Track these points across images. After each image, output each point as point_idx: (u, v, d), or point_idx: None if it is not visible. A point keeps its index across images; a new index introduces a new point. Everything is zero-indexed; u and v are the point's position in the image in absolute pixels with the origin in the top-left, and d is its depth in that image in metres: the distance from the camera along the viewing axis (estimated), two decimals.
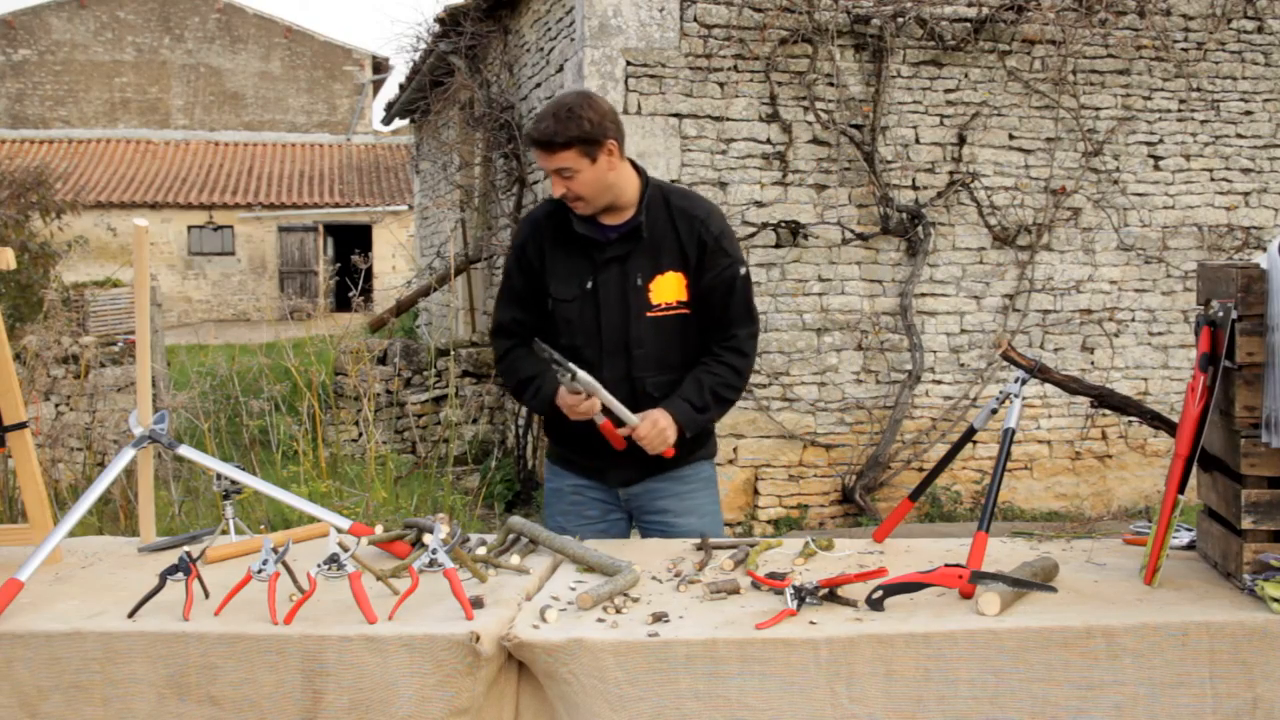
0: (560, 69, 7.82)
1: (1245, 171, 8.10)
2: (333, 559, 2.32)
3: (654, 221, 2.93)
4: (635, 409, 2.87)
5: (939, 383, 7.76)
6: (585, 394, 2.78)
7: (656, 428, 2.84)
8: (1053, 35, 7.68)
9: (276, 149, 27.32)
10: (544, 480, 3.22)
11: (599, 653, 2.08)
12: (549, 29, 8.17)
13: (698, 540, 2.75)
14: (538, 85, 8.55)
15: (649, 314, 2.91)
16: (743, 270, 2.98)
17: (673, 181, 7.20)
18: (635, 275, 2.91)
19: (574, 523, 3.04)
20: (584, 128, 2.78)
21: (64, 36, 27.91)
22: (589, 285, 2.93)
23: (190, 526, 5.46)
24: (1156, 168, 7.99)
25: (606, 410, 2.85)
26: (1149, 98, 7.94)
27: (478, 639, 2.07)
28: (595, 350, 2.94)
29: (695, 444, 3.03)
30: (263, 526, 5.07)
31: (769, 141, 7.42)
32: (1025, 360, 2.68)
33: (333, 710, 2.10)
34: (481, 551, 2.60)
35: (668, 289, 2.92)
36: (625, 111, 7.17)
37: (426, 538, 2.50)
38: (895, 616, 2.18)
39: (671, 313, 2.92)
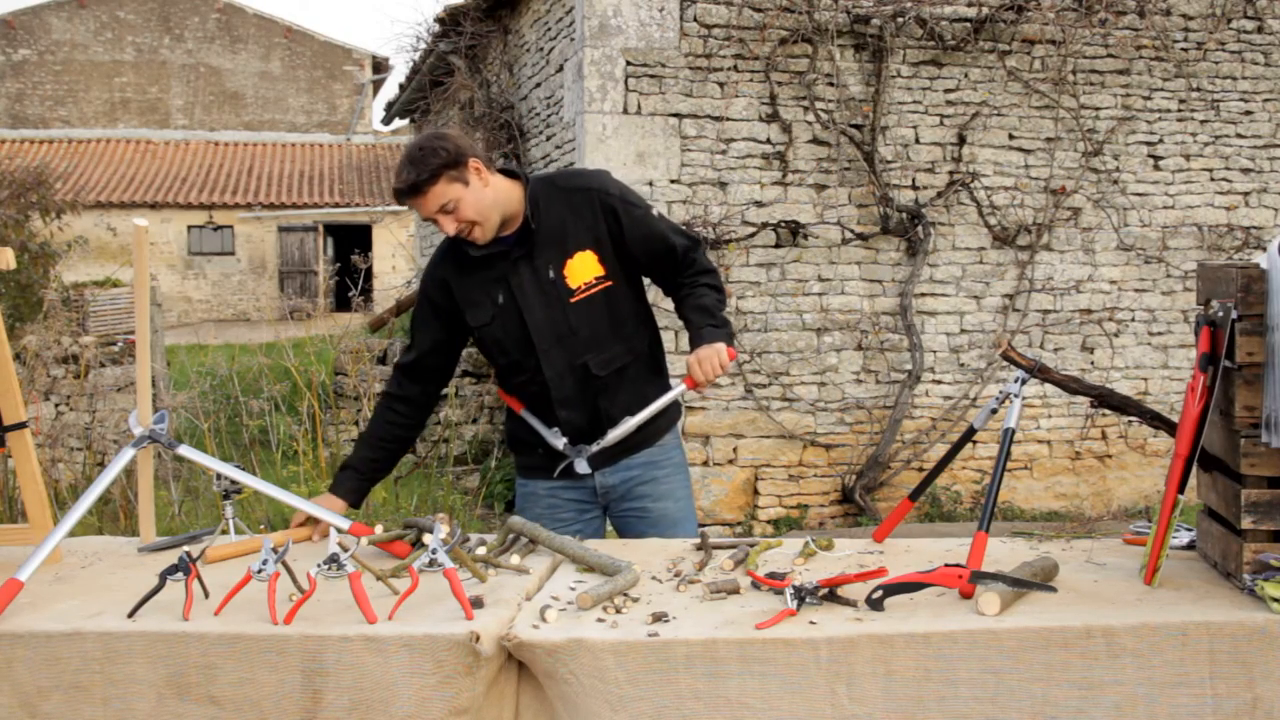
0: (560, 69, 7.82)
1: (1245, 171, 8.11)
2: (333, 559, 2.32)
3: (545, 212, 2.94)
4: (588, 392, 2.95)
5: (939, 383, 7.76)
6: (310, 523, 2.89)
7: (713, 363, 2.83)
8: (1053, 35, 7.68)
9: (276, 149, 27.32)
10: (516, 487, 3.24)
11: (599, 653, 2.08)
12: (549, 29, 8.17)
13: (697, 540, 2.75)
14: (538, 85, 8.55)
15: (573, 300, 2.94)
16: (654, 210, 3.05)
17: (672, 182, 7.21)
18: (545, 268, 2.93)
19: (548, 526, 3.02)
20: (441, 156, 2.79)
21: (64, 36, 27.92)
22: (500, 300, 2.95)
23: (190, 526, 5.46)
24: (1156, 168, 8.00)
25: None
26: (1149, 98, 7.94)
27: (478, 639, 2.07)
28: (531, 355, 2.96)
29: (659, 415, 3.05)
30: (263, 526, 5.07)
31: (769, 141, 7.42)
32: (1025, 360, 2.68)
33: (333, 710, 2.10)
34: (481, 551, 2.60)
35: (582, 270, 2.94)
36: (625, 111, 7.18)
37: (426, 538, 2.50)
38: (895, 616, 2.18)
39: (594, 290, 2.95)
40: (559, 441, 2.96)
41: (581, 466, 2.95)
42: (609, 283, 2.96)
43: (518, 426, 3.11)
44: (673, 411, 3.15)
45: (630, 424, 2.93)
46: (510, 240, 2.94)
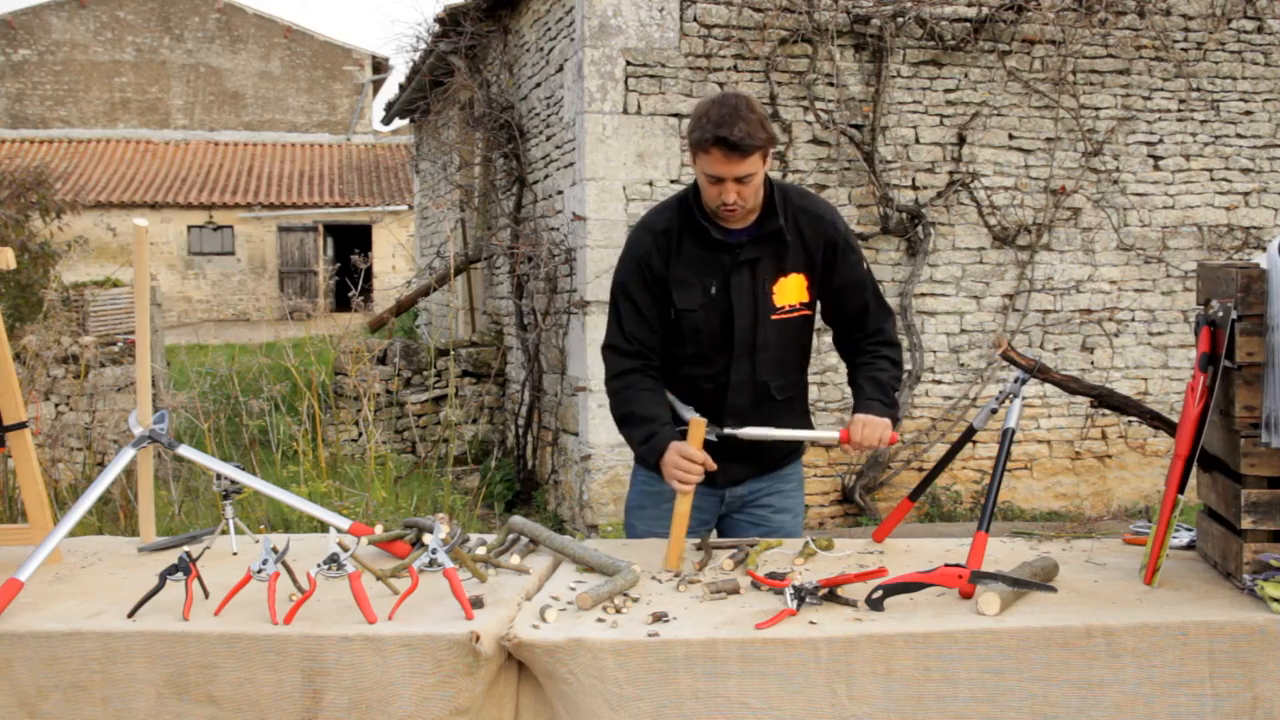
0: (560, 69, 7.82)
1: (1245, 171, 8.10)
2: (333, 559, 2.32)
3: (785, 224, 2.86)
4: (759, 412, 2.88)
5: (939, 383, 7.76)
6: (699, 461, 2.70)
7: (876, 432, 2.77)
8: (1053, 35, 7.68)
9: (276, 149, 27.31)
10: (635, 482, 3.11)
11: (599, 653, 2.08)
12: (549, 29, 8.17)
13: (697, 540, 2.75)
14: (538, 85, 8.55)
15: (774, 316, 2.87)
16: (865, 265, 2.96)
17: (671, 182, 7.21)
18: (762, 278, 2.86)
19: (665, 527, 2.92)
20: (766, 129, 2.69)
21: (64, 36, 27.91)
22: (713, 291, 2.85)
23: (190, 526, 5.46)
24: (1156, 168, 8.00)
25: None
26: (1149, 98, 7.94)
27: (478, 639, 2.07)
28: (725, 355, 2.88)
29: (800, 444, 3.08)
30: (263, 526, 5.07)
31: None
32: (1025, 360, 2.68)
33: (333, 710, 2.10)
34: (481, 551, 2.60)
35: (791, 291, 2.87)
36: (625, 111, 7.18)
37: (426, 538, 2.50)
38: (895, 616, 2.18)
39: (794, 315, 2.89)
40: (690, 414, 2.81)
41: (710, 435, 2.78)
42: (807, 312, 2.92)
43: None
44: (803, 445, 3.15)
45: (771, 434, 2.86)
46: (743, 235, 2.84)
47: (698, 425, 2.72)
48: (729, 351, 2.88)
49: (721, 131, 2.64)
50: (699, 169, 2.76)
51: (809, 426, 3.09)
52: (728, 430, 2.81)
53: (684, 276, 2.86)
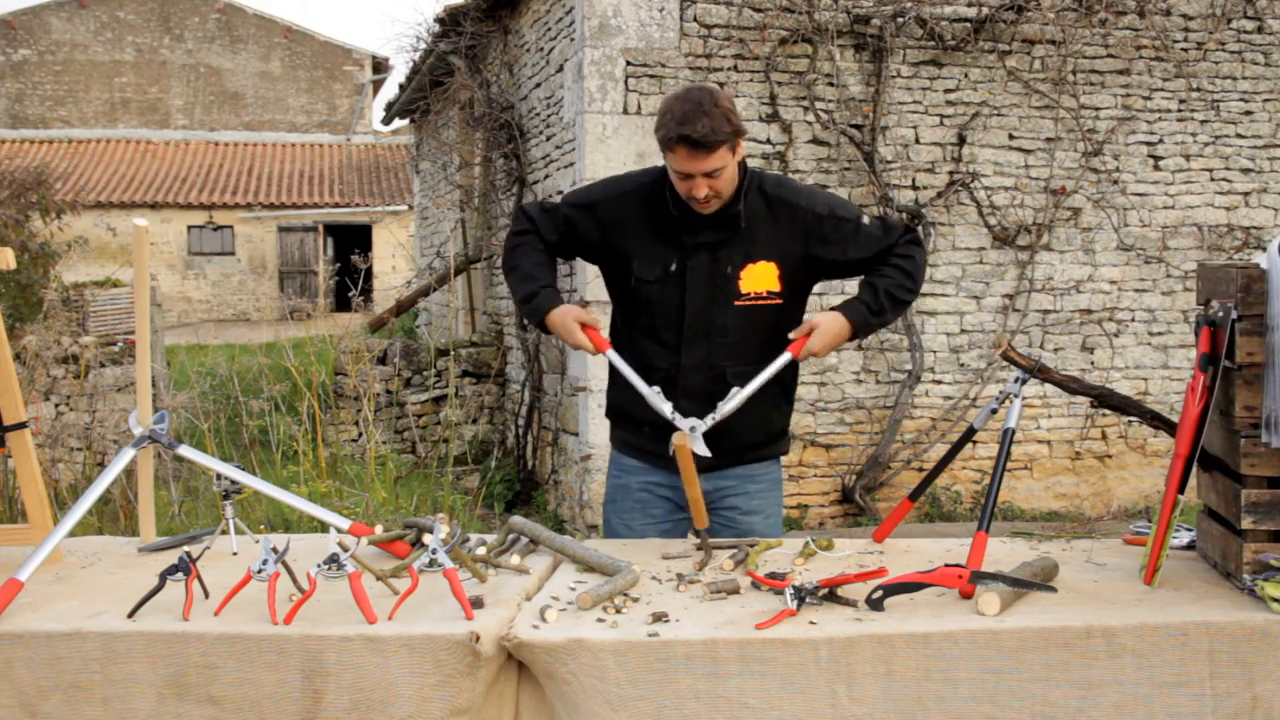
0: (560, 69, 7.82)
1: (1245, 171, 8.10)
2: (333, 559, 2.32)
3: (751, 211, 2.85)
4: (712, 397, 2.81)
5: (939, 383, 7.76)
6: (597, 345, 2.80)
7: (827, 334, 2.80)
8: (1053, 35, 7.68)
9: (276, 149, 27.31)
10: (608, 476, 3.14)
11: (599, 653, 2.08)
12: (549, 29, 8.17)
13: (697, 540, 2.75)
14: (538, 85, 8.55)
15: (736, 302, 2.85)
16: (866, 219, 2.96)
17: None
18: (725, 263, 2.85)
19: (638, 521, 2.96)
20: (734, 123, 2.70)
21: (64, 36, 27.91)
22: (673, 268, 2.85)
23: (190, 526, 5.46)
24: (1156, 168, 8.00)
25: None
26: (1149, 98, 7.94)
27: (478, 639, 2.07)
28: (675, 334, 2.88)
29: (773, 440, 3.03)
30: (263, 526, 5.07)
31: (769, 141, 7.42)
32: (1025, 360, 2.68)
33: (333, 710, 2.10)
34: (481, 551, 2.60)
35: (758, 278, 2.85)
36: (625, 111, 7.18)
37: (426, 538, 2.50)
38: (895, 616, 2.18)
39: (761, 302, 2.86)
40: (665, 406, 2.77)
41: (699, 447, 2.73)
42: (778, 301, 2.88)
43: (622, 396, 2.96)
44: (784, 443, 3.09)
45: (742, 395, 2.78)
46: (706, 218, 2.84)
47: (684, 449, 2.65)
48: (681, 331, 2.88)
49: (684, 129, 2.66)
50: (669, 165, 2.79)
51: (778, 416, 3.04)
52: (710, 419, 2.77)
53: (646, 248, 2.88)
